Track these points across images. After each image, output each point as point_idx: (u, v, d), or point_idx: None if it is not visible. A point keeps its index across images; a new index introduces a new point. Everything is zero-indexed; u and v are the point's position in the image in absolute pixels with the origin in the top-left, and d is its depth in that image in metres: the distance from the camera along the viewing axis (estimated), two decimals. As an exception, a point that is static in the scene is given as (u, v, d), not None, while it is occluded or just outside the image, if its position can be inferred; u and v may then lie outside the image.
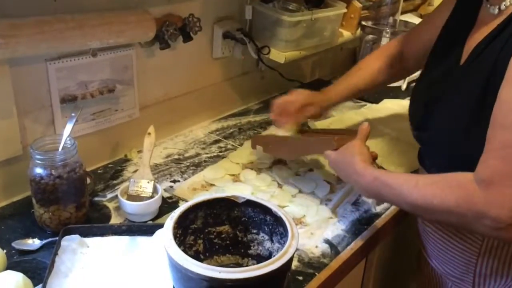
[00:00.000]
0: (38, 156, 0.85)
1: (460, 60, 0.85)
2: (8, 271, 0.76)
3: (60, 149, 0.88)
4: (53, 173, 0.85)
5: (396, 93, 1.56)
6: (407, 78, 1.50)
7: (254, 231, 0.85)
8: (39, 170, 0.86)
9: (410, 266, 1.19)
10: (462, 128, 0.79)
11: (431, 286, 1.02)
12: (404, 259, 1.28)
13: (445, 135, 0.84)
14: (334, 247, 0.91)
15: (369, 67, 1.16)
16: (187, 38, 1.18)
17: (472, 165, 0.73)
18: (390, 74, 1.16)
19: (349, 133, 1.03)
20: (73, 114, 0.92)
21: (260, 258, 0.84)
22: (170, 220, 0.76)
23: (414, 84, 1.05)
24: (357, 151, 0.89)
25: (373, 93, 1.50)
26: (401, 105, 1.50)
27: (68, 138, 0.89)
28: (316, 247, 0.91)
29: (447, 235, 0.91)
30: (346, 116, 1.44)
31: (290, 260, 0.71)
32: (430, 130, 0.87)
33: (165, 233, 0.73)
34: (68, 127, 0.90)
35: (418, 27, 1.13)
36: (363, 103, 1.54)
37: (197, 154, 1.21)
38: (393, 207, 1.05)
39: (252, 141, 1.16)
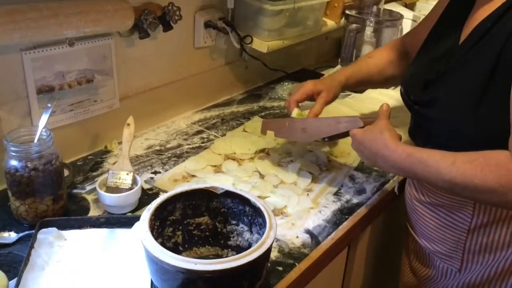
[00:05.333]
0: (12, 148, 0.83)
1: (459, 39, 0.87)
2: (-18, 265, 0.75)
3: (35, 140, 0.86)
4: (28, 165, 0.84)
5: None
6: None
7: (234, 222, 0.84)
8: (14, 162, 0.84)
9: (397, 250, 1.20)
10: (469, 106, 0.81)
11: (419, 264, 1.03)
12: (391, 244, 1.28)
13: (451, 112, 0.84)
14: (315, 237, 0.91)
15: (378, 57, 1.17)
16: (167, 27, 1.16)
17: (472, 141, 0.77)
18: (397, 69, 1.16)
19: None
20: (48, 105, 0.90)
21: (239, 249, 0.83)
22: (147, 212, 0.75)
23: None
24: (386, 128, 0.89)
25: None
26: (385, 95, 1.50)
27: (43, 130, 0.87)
28: (297, 237, 0.91)
29: (437, 213, 0.92)
30: (331, 106, 1.42)
31: (267, 251, 0.71)
32: (433, 106, 0.87)
33: (142, 225, 0.72)
34: (44, 118, 0.88)
35: (417, 27, 1.15)
36: (348, 92, 1.53)
37: (179, 145, 1.20)
38: (374, 197, 1.05)
39: (262, 126, 1.11)
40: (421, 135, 0.95)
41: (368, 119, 0.96)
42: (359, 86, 1.20)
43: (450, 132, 0.86)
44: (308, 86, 1.13)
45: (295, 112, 1.09)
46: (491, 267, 0.88)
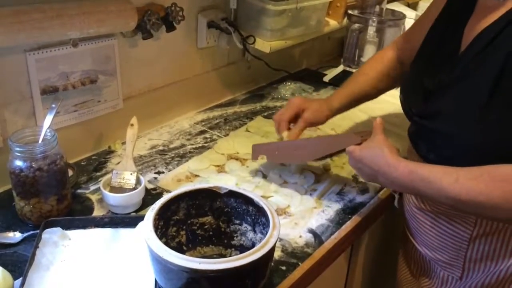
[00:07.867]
0: (17, 149, 0.84)
1: (459, 47, 0.85)
2: (-12, 264, 0.75)
3: (40, 141, 0.87)
4: (33, 165, 0.84)
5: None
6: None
7: (237, 221, 0.84)
8: (18, 163, 0.84)
9: (398, 251, 1.19)
10: (475, 117, 0.78)
11: (420, 272, 1.02)
12: (394, 244, 1.28)
13: (457, 124, 0.82)
14: (318, 237, 0.92)
15: (370, 74, 1.13)
16: (170, 27, 1.17)
17: (478, 151, 0.75)
18: (392, 79, 1.13)
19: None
20: (53, 105, 0.91)
21: (243, 249, 0.84)
22: (151, 212, 0.75)
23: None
24: (384, 143, 0.87)
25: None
26: (389, 95, 1.48)
27: (48, 130, 0.88)
28: (300, 237, 0.91)
29: (438, 221, 0.91)
30: (347, 113, 1.31)
31: (271, 251, 0.71)
32: (436, 118, 0.85)
33: (146, 224, 0.73)
34: (48, 119, 0.88)
35: (410, 30, 1.12)
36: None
37: (182, 145, 1.20)
38: (377, 197, 1.05)
39: (253, 152, 1.07)
40: (423, 143, 0.92)
41: (363, 134, 0.95)
42: (354, 106, 1.16)
43: (454, 143, 0.83)
44: (295, 102, 1.09)
45: (285, 134, 1.07)
46: (492, 275, 0.87)
